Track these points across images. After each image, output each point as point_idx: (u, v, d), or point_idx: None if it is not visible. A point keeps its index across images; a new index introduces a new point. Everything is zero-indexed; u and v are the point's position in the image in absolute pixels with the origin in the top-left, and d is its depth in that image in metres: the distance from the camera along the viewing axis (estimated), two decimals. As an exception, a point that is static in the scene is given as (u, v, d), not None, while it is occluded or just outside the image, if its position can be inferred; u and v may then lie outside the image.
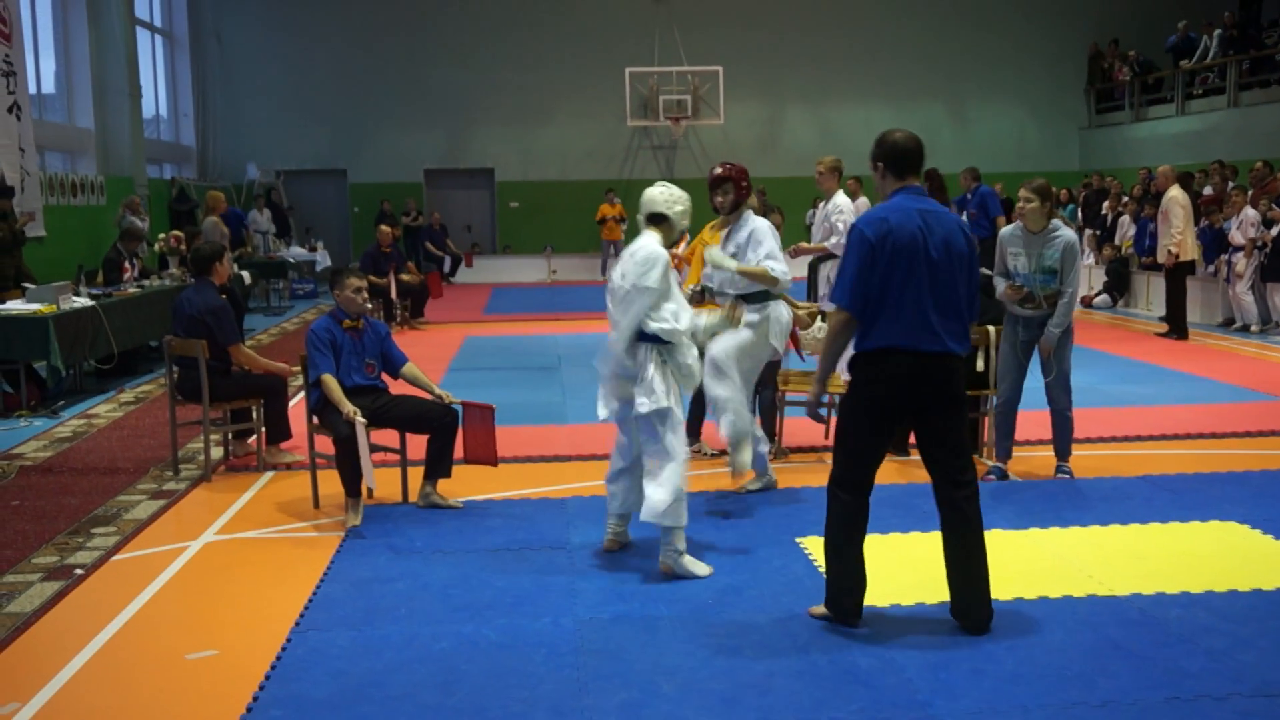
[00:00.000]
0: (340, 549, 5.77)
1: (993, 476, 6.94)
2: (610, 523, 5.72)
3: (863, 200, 14.25)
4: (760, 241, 6.46)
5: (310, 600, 5.04)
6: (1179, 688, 4.05)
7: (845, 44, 25.17)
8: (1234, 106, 20.54)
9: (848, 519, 4.63)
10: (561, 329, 14.93)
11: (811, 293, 11.86)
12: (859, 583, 4.64)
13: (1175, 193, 13.06)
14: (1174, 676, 4.14)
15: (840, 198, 10.46)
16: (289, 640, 4.60)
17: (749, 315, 6.29)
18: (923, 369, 4.49)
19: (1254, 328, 13.53)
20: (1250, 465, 7.15)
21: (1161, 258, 13.24)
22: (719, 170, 6.65)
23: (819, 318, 7.22)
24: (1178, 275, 13.19)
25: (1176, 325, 13.22)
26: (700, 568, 5.32)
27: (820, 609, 4.74)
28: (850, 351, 4.69)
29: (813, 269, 11.86)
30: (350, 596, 5.10)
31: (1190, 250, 13.18)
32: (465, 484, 6.72)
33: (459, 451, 6.50)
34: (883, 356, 4.51)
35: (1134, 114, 23.99)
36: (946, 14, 25.30)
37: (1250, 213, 13.50)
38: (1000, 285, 6.85)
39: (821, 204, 10.37)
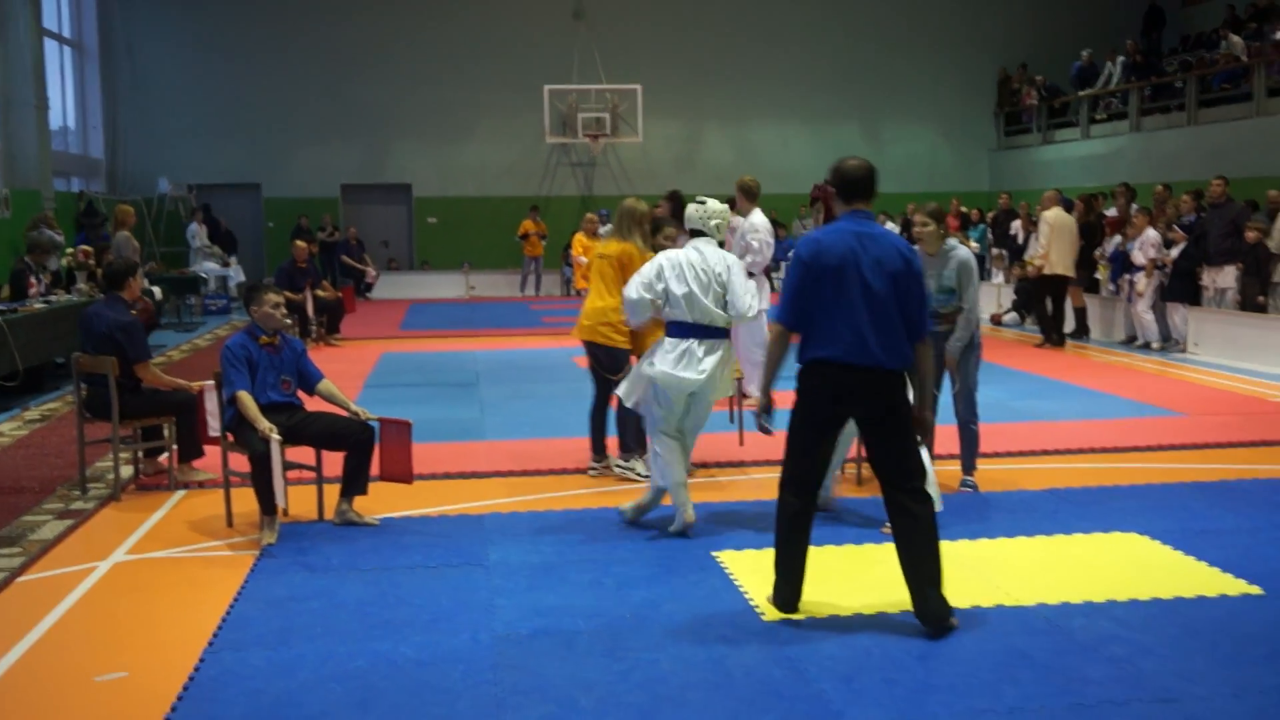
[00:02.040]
0: (254, 568, 5.71)
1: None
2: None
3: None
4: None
5: (224, 620, 4.98)
6: (1082, 695, 4.18)
7: (763, 65, 25.50)
8: (1136, 131, 21.20)
9: (789, 517, 4.96)
10: (480, 345, 14.89)
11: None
12: (797, 576, 4.98)
13: (1048, 213, 14.24)
14: (1077, 684, 4.27)
15: (756, 217, 10.61)
16: (202, 661, 4.54)
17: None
18: (854, 381, 4.76)
19: (1154, 345, 13.95)
20: (1151, 479, 7.38)
21: (1030, 270, 14.74)
22: (813, 191, 6.87)
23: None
24: (1050, 287, 14.40)
25: (1048, 334, 14.48)
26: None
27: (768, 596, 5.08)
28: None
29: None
30: (265, 616, 5.04)
31: (1058, 265, 14.16)
32: (382, 501, 6.68)
33: (375, 468, 6.46)
34: (818, 368, 4.80)
35: (1041, 137, 24.64)
36: (862, 38, 25.76)
37: (1151, 234, 13.92)
38: None
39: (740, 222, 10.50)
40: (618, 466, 7.50)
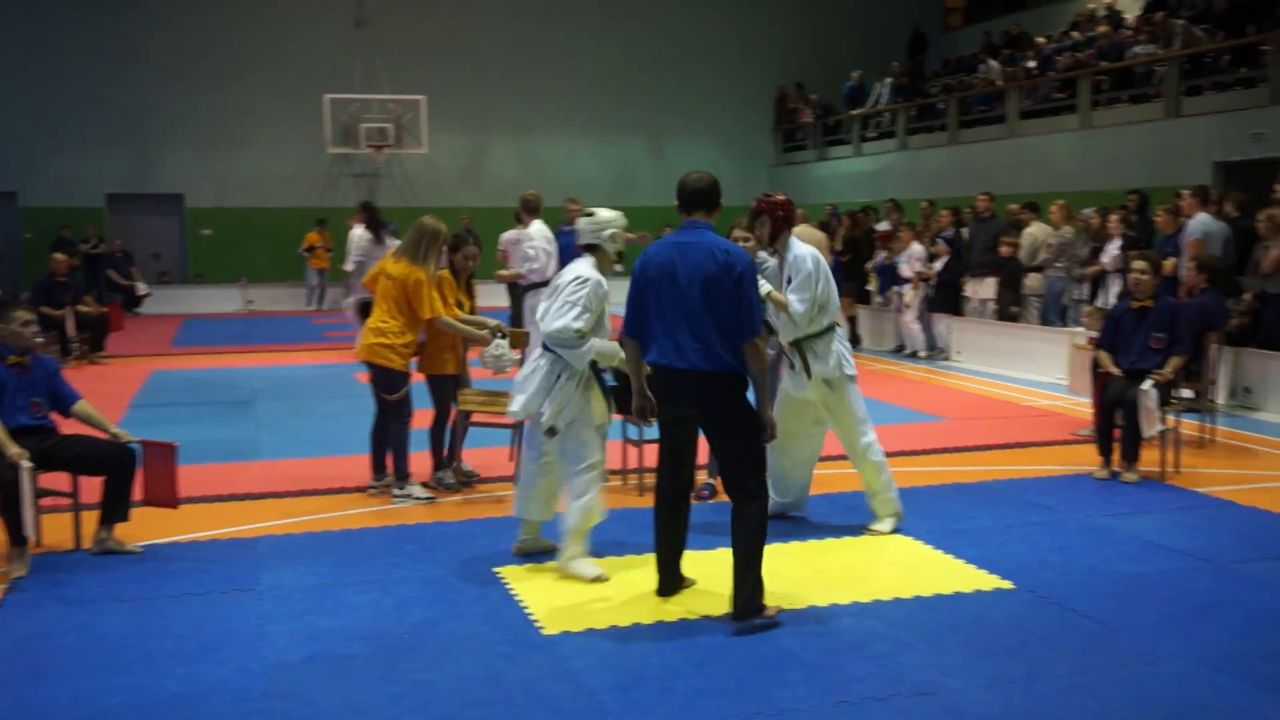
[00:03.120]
0: (2, 603, 5.34)
1: (705, 493, 7.26)
2: None
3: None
4: (795, 274, 6.35)
5: (-35, 661, 4.65)
6: (847, 692, 4.35)
7: (549, 78, 25.61)
8: (903, 150, 22.27)
9: (656, 508, 5.35)
10: (257, 361, 14.39)
11: (516, 321, 12.00)
12: (667, 565, 5.37)
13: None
14: (843, 682, 4.44)
15: (534, 226, 10.72)
16: (-61, 706, 4.22)
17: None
18: (678, 383, 5.07)
19: (921, 353, 14.68)
20: (915, 481, 7.73)
21: None
22: (753, 204, 6.51)
23: (499, 335, 7.24)
24: None
25: None
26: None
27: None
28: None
29: (518, 297, 12.02)
30: (12, 654, 4.73)
31: None
32: (146, 527, 6.37)
33: (138, 493, 6.16)
34: (653, 372, 5.18)
35: (817, 154, 25.59)
36: (646, 54, 26.20)
37: (916, 248, 14.65)
38: None
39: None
40: (395, 495, 7.31)
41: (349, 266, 13.64)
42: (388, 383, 7.20)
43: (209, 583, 5.65)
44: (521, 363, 7.33)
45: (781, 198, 6.53)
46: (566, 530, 5.70)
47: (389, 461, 7.37)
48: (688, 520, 5.38)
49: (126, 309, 19.75)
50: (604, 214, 5.87)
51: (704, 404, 5.08)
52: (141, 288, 21.45)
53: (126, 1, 23.23)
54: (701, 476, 7.28)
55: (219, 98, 23.66)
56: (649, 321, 5.14)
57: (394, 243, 13.43)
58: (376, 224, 13.67)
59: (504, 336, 7.33)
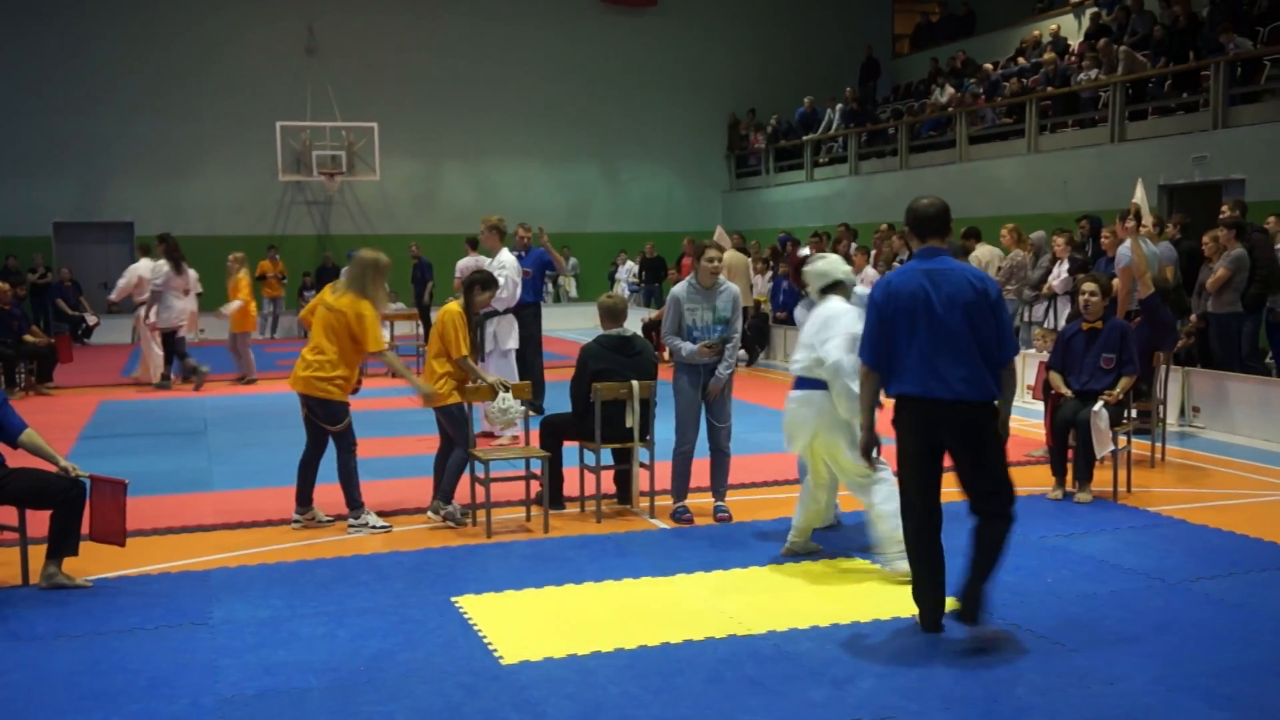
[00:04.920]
0: (-54, 641, 5.23)
1: (724, 516, 7.41)
2: None
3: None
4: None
5: (-92, 702, 4.54)
6: (807, 718, 4.34)
7: (502, 105, 25.60)
8: (855, 175, 22.48)
9: (909, 535, 5.31)
10: (209, 391, 14.23)
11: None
12: (931, 594, 5.23)
13: (726, 254, 15.79)
14: (803, 707, 4.43)
15: (504, 255, 10.66)
16: (-120, 749, 4.11)
17: None
18: (931, 415, 5.04)
19: (876, 377, 14.78)
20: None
21: None
22: (805, 252, 6.99)
23: (503, 389, 7.31)
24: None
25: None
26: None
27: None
28: None
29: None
30: (-43, 694, 4.62)
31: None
32: (96, 561, 6.25)
33: (86, 527, 6.05)
34: (901, 403, 5.13)
35: (769, 179, 25.77)
36: (600, 81, 26.28)
37: (869, 272, 14.75)
38: (688, 348, 7.18)
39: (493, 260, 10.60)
40: (351, 525, 7.24)
41: (130, 295, 14.92)
42: (329, 414, 7.12)
43: (160, 617, 5.56)
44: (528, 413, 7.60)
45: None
46: (884, 538, 6.07)
47: (317, 493, 7.30)
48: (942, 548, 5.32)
49: (75, 339, 19.49)
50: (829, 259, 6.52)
51: (965, 434, 5.05)
52: (90, 318, 21.16)
53: (71, 29, 22.98)
54: (747, 500, 7.29)
55: (169, 125, 23.46)
56: (900, 353, 5.06)
57: (193, 272, 14.70)
58: (176, 255, 14.55)
59: (507, 390, 7.33)
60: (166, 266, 14.44)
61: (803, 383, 6.24)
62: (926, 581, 5.23)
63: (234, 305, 14.89)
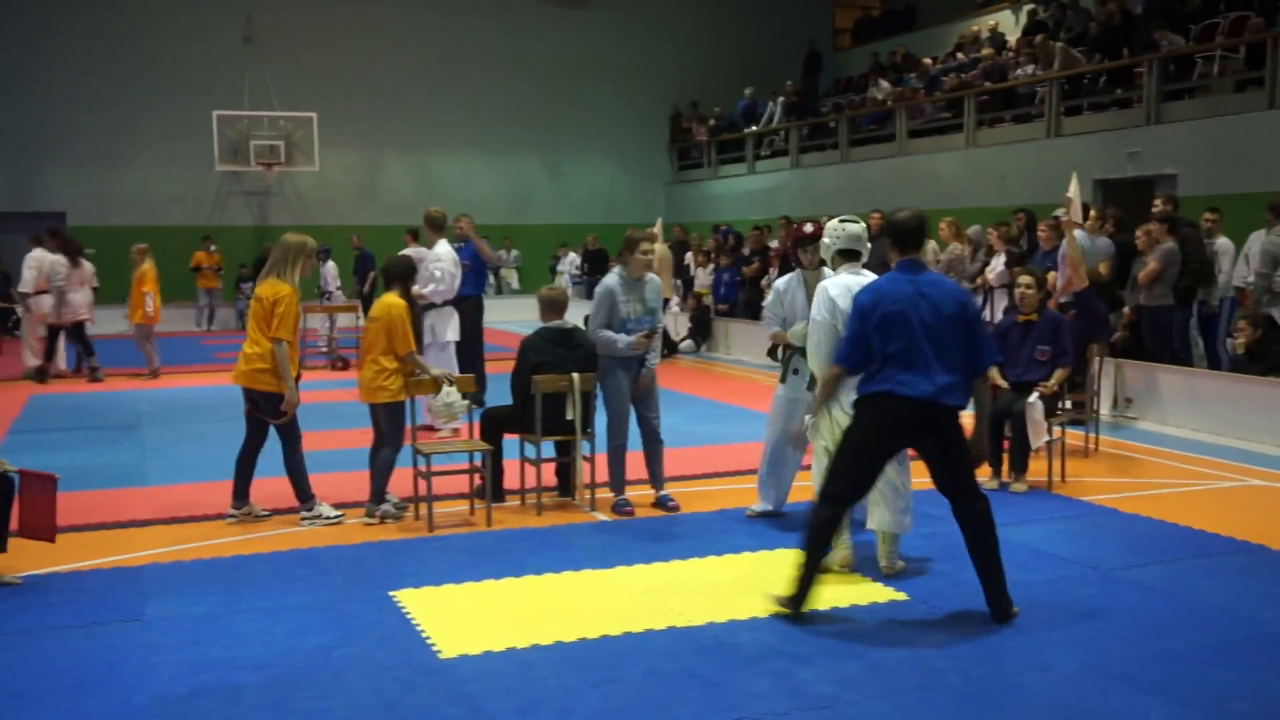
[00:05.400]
0: None
1: (674, 505, 7.47)
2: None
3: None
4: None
5: None
6: (746, 708, 4.35)
7: (443, 96, 25.44)
8: (796, 167, 22.59)
9: (823, 524, 5.36)
10: (144, 384, 14.01)
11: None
12: (813, 580, 5.34)
13: (657, 246, 16.39)
14: (742, 698, 4.45)
15: (440, 247, 10.56)
16: None
17: None
18: (912, 415, 5.19)
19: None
20: (808, 495, 7.78)
21: None
22: (809, 229, 6.92)
23: (447, 383, 7.26)
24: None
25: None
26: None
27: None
28: None
29: (415, 318, 11.84)
30: (-122, 695, 4.51)
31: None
32: (25, 557, 6.12)
33: (13, 524, 5.92)
34: (874, 401, 5.24)
35: (712, 171, 25.83)
36: (541, 73, 26.17)
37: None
38: (625, 339, 7.16)
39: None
40: (304, 518, 7.16)
41: (34, 290, 14.44)
42: (271, 407, 7.03)
43: (92, 614, 5.46)
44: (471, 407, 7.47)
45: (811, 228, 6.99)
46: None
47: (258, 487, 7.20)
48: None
49: (4, 331, 19.09)
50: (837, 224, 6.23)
51: (942, 436, 5.25)
52: (20, 309, 20.67)
53: (3, 14, 22.47)
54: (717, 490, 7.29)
55: (103, 113, 23.03)
56: (883, 355, 5.19)
57: (89, 265, 14.57)
58: (72, 248, 14.59)
59: (451, 384, 7.27)
60: (65, 261, 14.29)
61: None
62: (814, 569, 5.36)
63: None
